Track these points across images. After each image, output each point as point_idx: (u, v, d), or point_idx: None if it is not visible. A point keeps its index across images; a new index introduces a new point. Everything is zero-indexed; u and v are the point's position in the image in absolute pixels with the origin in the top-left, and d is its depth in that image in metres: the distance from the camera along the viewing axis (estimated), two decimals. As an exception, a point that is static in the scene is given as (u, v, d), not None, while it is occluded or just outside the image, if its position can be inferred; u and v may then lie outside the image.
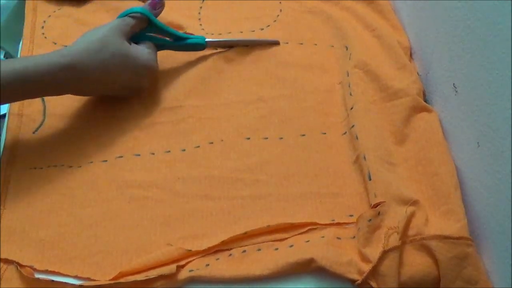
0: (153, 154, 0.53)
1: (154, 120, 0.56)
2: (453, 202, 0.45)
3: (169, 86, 0.59)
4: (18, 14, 0.71)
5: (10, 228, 0.48)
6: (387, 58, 0.59)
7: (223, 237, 0.45)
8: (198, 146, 0.54)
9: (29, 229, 0.48)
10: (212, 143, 0.54)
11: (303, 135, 0.54)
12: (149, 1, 0.58)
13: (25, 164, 0.53)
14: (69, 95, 0.54)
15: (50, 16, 0.68)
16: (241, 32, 0.65)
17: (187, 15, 0.66)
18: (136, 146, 0.54)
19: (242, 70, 0.61)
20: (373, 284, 0.41)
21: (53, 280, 0.44)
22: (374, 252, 0.42)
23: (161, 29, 0.58)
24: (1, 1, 0.74)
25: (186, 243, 0.46)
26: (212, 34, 0.64)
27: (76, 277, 0.45)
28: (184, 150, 0.54)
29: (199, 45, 0.61)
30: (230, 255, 0.45)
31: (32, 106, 0.58)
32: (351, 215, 0.47)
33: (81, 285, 0.43)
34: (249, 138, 0.54)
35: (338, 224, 0.47)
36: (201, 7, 0.68)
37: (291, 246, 0.45)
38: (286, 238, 0.46)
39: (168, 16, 0.63)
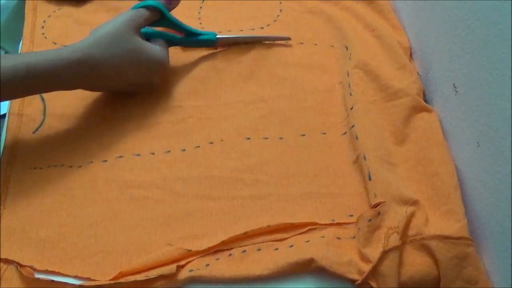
0: (153, 154, 0.53)
1: (154, 120, 0.56)
2: (453, 202, 0.45)
3: (169, 86, 0.59)
4: (18, 14, 0.71)
5: (10, 228, 0.48)
6: (387, 58, 0.59)
7: (223, 237, 0.45)
8: (198, 146, 0.54)
9: (29, 229, 0.48)
10: (212, 143, 0.54)
11: (303, 135, 0.54)
12: None
13: (25, 164, 0.53)
14: (70, 95, 0.54)
15: (50, 16, 0.68)
16: (241, 30, 0.65)
17: (187, 15, 0.66)
18: (136, 146, 0.54)
19: (242, 70, 0.61)
20: (373, 284, 0.41)
21: (53, 280, 0.44)
22: (374, 252, 0.42)
23: (173, 23, 0.59)
24: (1, 1, 0.74)
25: (186, 243, 0.46)
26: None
27: (76, 277, 0.45)
28: (184, 150, 0.54)
29: (210, 42, 0.61)
30: (230, 255, 0.45)
31: (32, 106, 0.58)
32: (351, 215, 0.47)
33: (81, 285, 0.43)
34: (249, 138, 0.54)
35: (338, 224, 0.47)
36: (201, 7, 0.68)
37: (291, 246, 0.45)
38: (286, 238, 0.46)
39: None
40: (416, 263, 0.42)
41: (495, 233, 0.43)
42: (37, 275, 0.44)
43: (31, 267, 0.45)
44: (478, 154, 0.45)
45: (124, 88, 0.56)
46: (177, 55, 0.62)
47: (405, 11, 0.63)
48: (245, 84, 0.59)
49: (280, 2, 0.69)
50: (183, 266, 0.44)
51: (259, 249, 0.45)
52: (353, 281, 0.42)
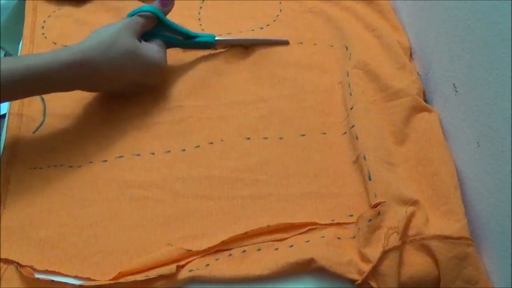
0: (153, 154, 0.53)
1: (154, 120, 0.56)
2: (453, 202, 0.45)
3: (169, 86, 0.59)
4: (18, 14, 0.71)
5: (10, 228, 0.48)
6: (387, 58, 0.59)
7: (223, 237, 0.45)
8: (198, 146, 0.54)
9: (29, 229, 0.48)
10: (212, 143, 0.54)
11: (303, 135, 0.54)
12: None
13: (25, 164, 0.53)
14: (70, 95, 0.54)
15: (50, 16, 0.68)
16: (241, 32, 0.65)
17: (187, 15, 0.66)
18: (136, 146, 0.54)
19: (242, 70, 0.61)
20: (373, 284, 0.41)
21: (53, 280, 0.44)
22: (374, 252, 0.42)
23: (170, 28, 0.59)
24: (1, 1, 0.74)
25: (186, 243, 0.46)
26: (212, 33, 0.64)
27: (76, 277, 0.45)
28: (184, 150, 0.54)
29: (209, 43, 0.61)
30: (230, 255, 0.45)
31: (32, 106, 0.58)
32: (351, 215, 0.47)
33: (81, 285, 0.43)
34: (249, 138, 0.54)
35: (338, 224, 0.47)
36: (201, 7, 0.68)
37: (291, 246, 0.45)
38: (286, 238, 0.46)
39: (168, 16, 0.63)
40: (416, 263, 0.42)
41: (495, 233, 0.43)
42: (37, 275, 0.44)
43: (31, 267, 0.45)
44: (478, 154, 0.45)
45: (122, 89, 0.56)
46: (177, 55, 0.62)
47: (405, 11, 0.63)
48: (245, 84, 0.59)
49: (280, 2, 0.69)
50: (183, 266, 0.44)
51: (259, 249, 0.45)
52: (353, 281, 0.42)
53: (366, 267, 0.42)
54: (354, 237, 0.45)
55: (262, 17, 0.67)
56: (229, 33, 0.64)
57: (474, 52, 0.44)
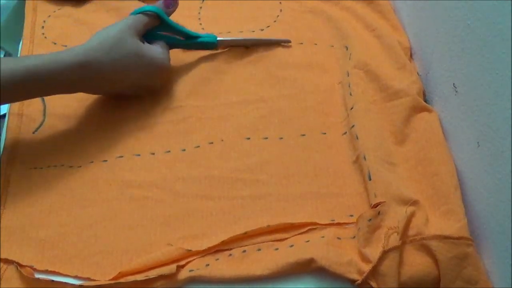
0: (153, 154, 0.53)
1: (154, 120, 0.56)
2: (453, 202, 0.45)
3: (169, 86, 0.59)
4: (18, 14, 0.71)
5: (10, 228, 0.48)
6: (387, 58, 0.59)
7: (223, 237, 0.45)
8: (198, 146, 0.54)
9: (29, 229, 0.48)
10: (212, 143, 0.54)
11: (303, 135, 0.54)
12: (163, 0, 0.58)
13: (25, 164, 0.53)
14: (70, 95, 0.54)
15: (50, 16, 0.68)
16: (241, 32, 0.65)
17: (187, 15, 0.66)
18: (136, 146, 0.54)
19: (242, 70, 0.61)
20: (373, 284, 0.41)
21: (53, 280, 0.44)
22: (374, 252, 0.42)
23: (172, 28, 0.59)
24: (1, 1, 0.74)
25: (186, 243, 0.46)
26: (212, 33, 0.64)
27: (76, 277, 0.45)
28: (184, 150, 0.54)
29: (211, 44, 0.61)
30: (230, 255, 0.45)
31: (32, 106, 0.58)
32: (351, 215, 0.47)
33: (81, 285, 0.43)
34: (249, 138, 0.54)
35: (338, 224, 0.47)
36: (201, 7, 0.68)
37: (291, 246, 0.45)
38: (286, 238, 0.46)
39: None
40: (416, 263, 0.42)
41: (495, 233, 0.43)
42: (37, 275, 0.44)
43: (31, 267, 0.45)
44: (478, 154, 0.45)
45: (125, 91, 0.56)
46: (177, 56, 0.62)
47: (405, 11, 0.63)
48: (245, 84, 0.59)
49: (280, 2, 0.69)
50: (183, 266, 0.44)
51: (259, 249, 0.45)
52: (353, 281, 0.42)
53: (366, 267, 0.42)
54: (354, 237, 0.45)
55: (262, 17, 0.67)
56: (229, 33, 0.64)
57: (474, 52, 0.44)
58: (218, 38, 0.61)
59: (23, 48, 0.64)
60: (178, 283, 0.43)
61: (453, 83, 0.49)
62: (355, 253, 0.44)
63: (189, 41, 0.61)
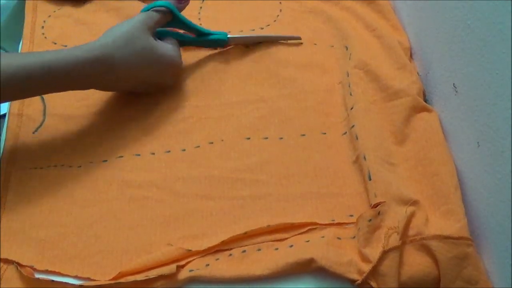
0: (153, 154, 0.53)
1: (154, 120, 0.56)
2: (453, 202, 0.45)
3: (170, 84, 0.59)
4: (18, 14, 0.71)
5: (10, 228, 0.48)
6: (387, 58, 0.59)
7: (223, 237, 0.45)
8: (198, 146, 0.54)
9: (29, 229, 0.48)
10: (212, 143, 0.54)
11: (303, 135, 0.54)
12: None
13: (25, 164, 0.53)
14: (70, 95, 0.54)
15: (50, 16, 0.68)
16: (241, 31, 0.65)
17: (187, 15, 0.66)
18: (136, 146, 0.54)
19: (242, 70, 0.61)
20: (373, 284, 0.41)
21: (53, 280, 0.44)
22: (374, 252, 0.42)
23: (184, 24, 0.59)
24: (1, 1, 0.74)
25: (186, 243, 0.46)
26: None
27: (76, 277, 0.45)
28: (184, 150, 0.54)
29: (221, 41, 0.61)
30: (230, 255, 0.45)
31: (32, 106, 0.58)
32: (351, 215, 0.47)
33: (81, 285, 0.43)
34: (249, 138, 0.54)
35: (338, 224, 0.47)
36: (201, 7, 0.68)
37: (291, 246, 0.45)
38: (286, 238, 0.46)
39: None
40: (416, 263, 0.42)
41: (495, 233, 0.43)
42: (37, 275, 0.44)
43: (31, 267, 0.45)
44: (478, 154, 0.45)
45: (137, 87, 0.56)
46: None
47: (405, 11, 0.63)
48: (245, 84, 0.59)
49: (280, 2, 0.69)
50: (183, 266, 0.44)
51: (259, 249, 0.45)
52: (353, 281, 0.42)
53: (366, 267, 0.42)
54: (354, 237, 0.45)
55: (262, 17, 0.67)
56: (229, 33, 0.64)
57: (474, 52, 0.44)
58: (228, 36, 0.61)
59: (23, 48, 0.64)
60: (178, 283, 0.43)
61: (453, 83, 0.49)
62: (355, 253, 0.44)
63: (200, 38, 0.61)
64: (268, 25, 0.66)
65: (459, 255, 0.42)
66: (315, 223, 0.46)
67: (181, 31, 0.60)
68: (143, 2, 0.68)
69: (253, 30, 0.65)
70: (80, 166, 0.53)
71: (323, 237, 0.45)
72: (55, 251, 0.47)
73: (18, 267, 0.44)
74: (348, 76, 0.57)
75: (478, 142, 0.45)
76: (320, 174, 0.51)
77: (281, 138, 0.54)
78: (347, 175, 0.50)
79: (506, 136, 0.40)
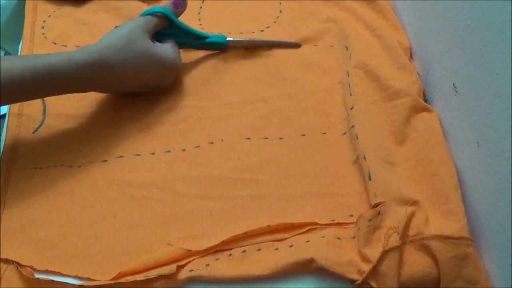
0: (153, 154, 0.53)
1: (154, 120, 0.56)
2: (453, 202, 0.45)
3: (170, 86, 0.59)
4: (18, 14, 0.71)
5: (10, 228, 0.48)
6: (387, 58, 0.59)
7: (223, 237, 0.45)
8: (198, 146, 0.54)
9: (29, 229, 0.48)
10: (212, 143, 0.54)
11: (303, 135, 0.54)
12: (172, 0, 0.58)
13: (25, 164, 0.53)
14: (70, 95, 0.54)
15: (50, 16, 0.68)
16: (241, 33, 0.65)
17: (187, 15, 0.66)
18: (136, 146, 0.54)
19: (242, 70, 0.61)
20: (373, 284, 0.41)
21: (53, 280, 0.44)
22: (374, 252, 0.42)
23: (181, 29, 0.59)
24: (1, 1, 0.74)
25: (186, 243, 0.46)
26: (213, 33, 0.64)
27: (76, 277, 0.45)
28: (184, 150, 0.54)
29: (220, 44, 0.61)
30: (230, 255, 0.45)
31: (32, 106, 0.58)
32: (351, 215, 0.47)
33: (81, 285, 0.43)
34: (249, 138, 0.54)
35: (338, 224, 0.47)
36: (201, 7, 0.68)
37: (291, 246, 0.45)
38: (286, 238, 0.46)
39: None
40: (416, 263, 0.42)
41: (495, 233, 0.43)
42: (37, 275, 0.44)
43: (31, 267, 0.45)
44: (478, 154, 0.45)
45: (137, 89, 0.56)
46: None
47: (405, 11, 0.63)
48: (245, 84, 0.59)
49: (280, 3, 0.69)
50: (183, 266, 0.44)
51: (259, 249, 0.45)
52: (353, 281, 0.42)
53: (366, 267, 0.42)
54: (354, 237, 0.45)
55: (263, 18, 0.67)
56: (229, 33, 0.64)
57: (474, 52, 0.44)
58: (228, 39, 0.61)
59: (23, 48, 0.64)
60: (178, 283, 0.43)
61: (453, 83, 0.49)
62: (355, 253, 0.44)
63: (199, 41, 0.61)
64: (268, 26, 0.66)
65: (459, 255, 0.42)
66: (315, 223, 0.46)
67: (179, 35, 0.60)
68: (143, 2, 0.68)
69: (253, 32, 0.65)
70: (80, 166, 0.53)
71: (323, 237, 0.45)
72: (55, 251, 0.47)
73: (18, 267, 0.44)
74: (348, 76, 0.57)
75: (478, 142, 0.45)
76: (320, 174, 0.51)
77: (281, 138, 0.54)
78: (347, 175, 0.50)
79: (506, 136, 0.40)
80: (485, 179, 0.44)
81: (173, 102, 0.58)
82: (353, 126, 0.53)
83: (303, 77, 0.59)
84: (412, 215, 0.44)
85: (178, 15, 0.58)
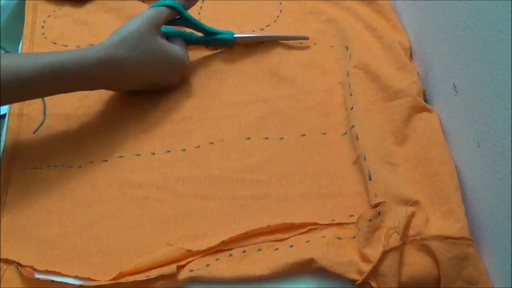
0: (154, 154, 0.53)
1: (154, 120, 0.56)
2: (453, 202, 0.45)
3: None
4: (18, 14, 0.71)
5: (10, 228, 0.48)
6: (387, 58, 0.59)
7: (223, 237, 0.45)
8: (199, 146, 0.54)
9: (29, 229, 0.48)
10: (212, 143, 0.54)
11: (304, 135, 0.54)
12: None
13: (25, 164, 0.53)
14: (70, 95, 0.54)
15: (50, 16, 0.68)
16: (242, 33, 0.65)
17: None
18: (137, 146, 0.54)
19: (243, 70, 0.61)
20: (373, 284, 0.41)
21: (53, 280, 0.44)
22: (374, 252, 0.42)
23: (191, 23, 0.59)
24: (1, 1, 0.74)
25: (187, 243, 0.46)
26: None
27: (76, 277, 0.45)
28: (184, 150, 0.54)
29: (228, 41, 0.61)
30: (230, 255, 0.45)
31: (32, 106, 0.58)
32: (352, 215, 0.47)
33: (82, 285, 0.43)
34: (249, 138, 0.54)
35: (339, 224, 0.47)
36: (201, 7, 0.68)
37: (291, 246, 0.45)
38: (286, 238, 0.46)
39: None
40: (417, 263, 0.42)
41: (495, 233, 0.43)
42: (37, 275, 0.44)
43: (31, 267, 0.45)
44: (478, 154, 0.45)
45: (145, 87, 0.57)
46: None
47: (405, 11, 0.63)
48: (246, 84, 0.59)
49: (280, 3, 0.69)
50: (183, 266, 0.44)
51: (259, 249, 0.45)
52: (353, 281, 0.42)
53: (367, 267, 0.42)
54: (354, 237, 0.45)
55: (263, 18, 0.67)
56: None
57: (474, 52, 0.44)
58: (235, 35, 0.61)
59: (23, 48, 0.64)
60: (179, 283, 0.43)
61: (453, 83, 0.49)
62: (356, 253, 0.44)
63: (207, 37, 0.61)
64: (268, 25, 0.66)
65: (459, 255, 0.42)
66: (316, 223, 0.46)
67: (188, 30, 0.60)
68: (144, 2, 0.68)
69: (253, 31, 0.65)
70: (80, 166, 0.53)
71: (323, 237, 0.45)
72: (55, 251, 0.47)
73: (18, 267, 0.44)
74: (348, 76, 0.57)
75: (478, 142, 0.45)
76: (320, 174, 0.51)
77: (281, 138, 0.54)
78: (347, 175, 0.50)
79: (506, 136, 0.40)
80: (485, 179, 0.44)
81: (173, 102, 0.58)
82: (353, 126, 0.53)
83: (303, 77, 0.59)
84: (412, 215, 0.44)
85: (187, 9, 0.58)
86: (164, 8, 0.56)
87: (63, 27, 0.67)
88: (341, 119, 0.55)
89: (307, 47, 0.63)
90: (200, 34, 0.61)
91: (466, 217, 0.45)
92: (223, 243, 0.45)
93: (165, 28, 0.57)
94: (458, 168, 0.48)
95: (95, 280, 0.44)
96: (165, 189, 0.50)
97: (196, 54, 0.62)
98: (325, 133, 0.54)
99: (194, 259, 0.45)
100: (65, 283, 0.43)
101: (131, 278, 0.43)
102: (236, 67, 0.61)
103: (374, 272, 0.42)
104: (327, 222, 0.47)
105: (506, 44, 0.39)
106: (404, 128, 0.52)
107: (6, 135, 0.55)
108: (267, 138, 0.54)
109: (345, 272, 0.42)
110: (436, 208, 0.46)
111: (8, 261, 0.45)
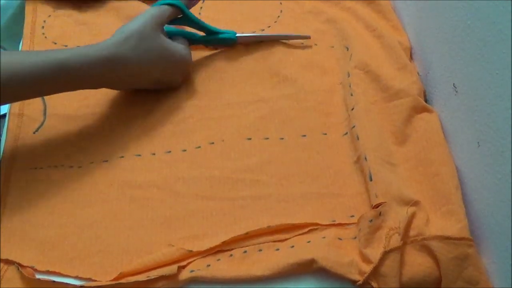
0: (154, 154, 0.53)
1: (154, 120, 0.56)
2: (454, 202, 0.45)
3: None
4: (19, 14, 0.71)
5: (10, 228, 0.48)
6: (388, 59, 0.59)
7: (224, 237, 0.45)
8: (199, 147, 0.54)
9: (29, 229, 0.48)
10: (212, 143, 0.54)
11: (304, 135, 0.54)
12: None
13: (25, 164, 0.53)
14: (70, 95, 0.54)
15: (50, 16, 0.68)
16: (242, 33, 0.65)
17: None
18: (137, 146, 0.54)
19: (243, 70, 0.61)
20: (374, 284, 0.42)
21: (54, 281, 0.44)
22: (375, 253, 0.42)
23: (193, 22, 0.59)
24: (1, 1, 0.73)
25: (187, 243, 0.46)
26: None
27: (77, 277, 0.45)
28: (184, 150, 0.54)
29: (230, 40, 0.62)
30: (231, 255, 0.45)
31: (33, 106, 0.57)
32: (352, 216, 0.47)
33: (82, 286, 0.43)
34: (250, 139, 0.54)
35: (339, 224, 0.47)
36: (201, 8, 0.68)
37: (292, 246, 0.45)
38: (287, 239, 0.46)
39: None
40: (417, 264, 0.42)
41: (495, 233, 0.43)
42: (38, 276, 0.44)
43: (32, 267, 0.45)
44: (478, 154, 0.45)
45: (148, 86, 0.57)
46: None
47: (405, 11, 0.63)
48: (246, 84, 0.59)
49: (281, 3, 0.69)
50: (184, 267, 0.44)
51: (260, 250, 0.45)
52: (354, 282, 0.42)
53: (367, 268, 0.42)
54: (355, 237, 0.45)
55: (263, 18, 0.67)
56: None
57: (474, 52, 0.44)
58: (237, 35, 0.61)
59: (23, 48, 0.64)
60: (179, 284, 0.43)
61: (453, 83, 0.49)
62: (356, 253, 0.44)
63: (209, 37, 0.61)
64: (269, 26, 0.66)
65: (460, 256, 0.42)
66: (316, 224, 0.46)
67: (189, 29, 0.60)
68: (144, 2, 0.68)
69: (254, 31, 0.65)
70: (81, 167, 0.53)
71: (324, 237, 0.45)
72: (55, 252, 0.46)
73: (19, 268, 0.44)
74: (348, 76, 0.57)
75: (478, 142, 0.45)
76: (321, 174, 0.51)
77: (282, 138, 0.54)
78: (348, 175, 0.50)
79: (506, 136, 0.40)
80: (485, 179, 0.44)
81: (173, 102, 0.58)
82: (353, 126, 0.53)
83: (303, 78, 0.59)
84: (413, 215, 0.44)
85: (189, 8, 0.59)
86: (167, 6, 0.56)
87: (63, 27, 0.66)
88: (341, 120, 0.55)
89: (308, 47, 0.63)
90: (201, 34, 0.61)
91: (466, 217, 0.45)
92: (224, 243, 0.45)
93: (167, 27, 0.57)
94: (458, 168, 0.48)
95: (95, 281, 0.44)
96: (166, 190, 0.50)
97: (196, 54, 0.62)
98: (325, 134, 0.54)
99: (195, 260, 0.45)
100: (66, 283, 0.43)
101: (132, 279, 0.43)
102: (236, 67, 0.61)
103: (375, 272, 0.42)
104: (327, 223, 0.47)
105: (506, 44, 0.39)
106: (405, 128, 0.52)
107: (6, 135, 0.55)
108: (268, 138, 0.54)
109: (346, 273, 0.42)
110: (436, 208, 0.46)
111: (8, 262, 0.45)
